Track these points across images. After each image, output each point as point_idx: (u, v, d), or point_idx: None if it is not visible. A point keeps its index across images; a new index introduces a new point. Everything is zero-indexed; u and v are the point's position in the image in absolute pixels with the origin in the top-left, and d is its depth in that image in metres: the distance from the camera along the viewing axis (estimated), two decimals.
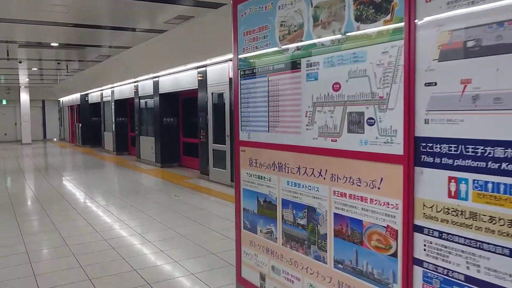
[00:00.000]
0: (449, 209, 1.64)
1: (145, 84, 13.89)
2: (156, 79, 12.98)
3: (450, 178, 1.63)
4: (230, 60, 8.94)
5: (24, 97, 25.25)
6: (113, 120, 17.54)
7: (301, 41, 2.33)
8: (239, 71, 2.91)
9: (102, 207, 7.64)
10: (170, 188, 9.43)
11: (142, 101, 14.60)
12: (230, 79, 9.13)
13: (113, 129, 17.62)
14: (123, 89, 16.38)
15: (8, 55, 11.53)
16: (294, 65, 2.39)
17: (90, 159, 16.13)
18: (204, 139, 10.43)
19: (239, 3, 2.84)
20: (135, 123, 15.36)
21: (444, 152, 1.64)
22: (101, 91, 19.32)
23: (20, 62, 13.88)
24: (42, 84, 24.03)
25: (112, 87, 17.49)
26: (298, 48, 2.37)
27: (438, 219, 1.69)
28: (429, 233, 1.73)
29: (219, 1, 6.81)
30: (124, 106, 17.49)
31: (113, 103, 17.55)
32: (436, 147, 1.67)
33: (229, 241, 5.37)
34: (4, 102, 28.05)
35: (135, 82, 14.67)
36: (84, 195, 8.91)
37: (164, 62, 10.98)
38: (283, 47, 2.47)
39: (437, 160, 1.67)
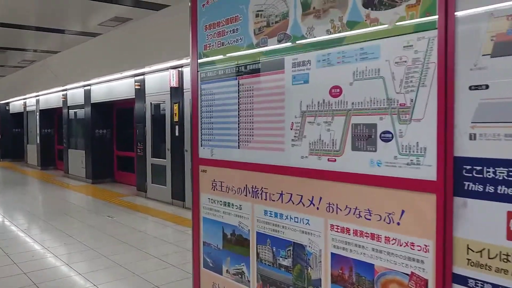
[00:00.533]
0: (508, 256, 1.22)
1: (75, 93, 12.78)
2: (88, 87, 11.96)
3: (510, 214, 1.21)
4: (173, 67, 8.33)
5: None
6: (38, 131, 16.04)
7: (286, 34, 1.86)
8: (199, 73, 2.37)
9: (22, 232, 6.64)
10: (103, 207, 8.53)
11: (72, 111, 13.43)
12: (172, 88, 8.49)
13: (38, 141, 16.10)
14: (50, 98, 15.03)
15: None
16: (276, 65, 1.91)
17: (10, 175, 14.55)
18: (142, 152, 9.65)
19: None
20: (63, 135, 14.11)
21: (501, 178, 1.22)
22: (24, 100, 17.68)
23: None
24: None
25: (37, 96, 16.03)
26: (280, 43, 1.89)
27: (491, 268, 1.26)
28: (476, 285, 1.30)
29: (162, 2, 6.23)
30: (50, 116, 16.06)
31: (38, 113, 16.06)
32: (488, 172, 1.25)
33: (173, 269, 4.74)
34: None
35: (63, 90, 13.48)
36: (1, 217, 7.78)
37: (97, 69, 10.08)
38: (260, 42, 1.98)
39: (490, 188, 1.25)
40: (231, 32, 2.13)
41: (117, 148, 12.28)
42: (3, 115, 20.29)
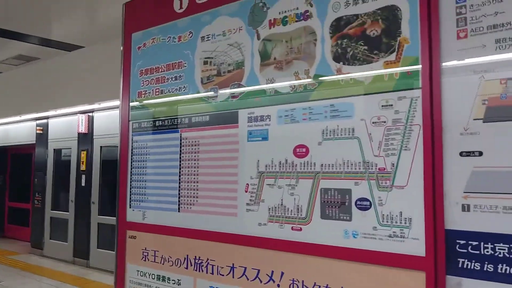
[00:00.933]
0: None
1: None
2: None
3: None
4: (82, 112, 7.72)
5: None
6: None
7: (240, 85, 1.66)
8: (130, 122, 2.06)
9: None
10: None
11: None
12: (80, 134, 7.83)
13: None
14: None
15: None
16: (228, 118, 1.69)
17: None
18: (40, 204, 8.63)
19: (134, 31, 2.07)
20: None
21: (501, 255, 1.10)
22: None
23: None
24: None
25: None
26: (234, 96, 1.68)
27: None
28: None
29: (75, 43, 5.79)
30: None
31: None
32: (486, 248, 1.12)
33: None
34: None
35: None
36: None
37: None
38: (208, 93, 1.76)
39: (489, 267, 1.12)
40: (173, 79, 1.88)
41: (10, 198, 10.94)
42: None
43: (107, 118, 7.43)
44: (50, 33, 5.46)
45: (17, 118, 8.91)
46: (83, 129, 7.73)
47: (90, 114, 7.71)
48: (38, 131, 8.75)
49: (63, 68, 6.68)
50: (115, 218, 6.70)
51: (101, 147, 7.53)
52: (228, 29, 1.70)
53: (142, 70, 2.02)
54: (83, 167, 7.75)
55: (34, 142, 8.95)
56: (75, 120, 8.00)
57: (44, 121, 8.66)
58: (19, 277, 6.78)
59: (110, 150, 7.60)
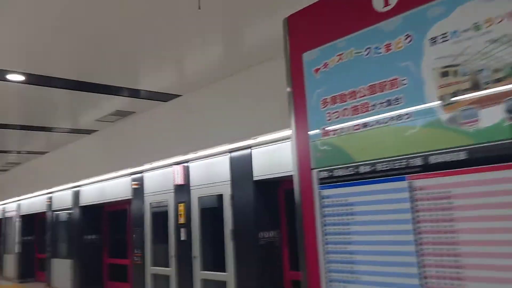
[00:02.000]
0: None
1: (62, 195, 11.68)
2: (77, 189, 10.93)
3: None
4: (177, 163, 7.50)
5: None
6: (17, 239, 14.55)
7: None
8: (314, 171, 1.51)
9: None
10: None
11: (58, 214, 12.22)
12: (176, 185, 7.59)
13: (16, 250, 14.54)
14: (32, 202, 13.82)
15: None
16: (503, 154, 1.07)
17: None
18: (140, 260, 8.41)
19: (306, 49, 1.55)
20: (45, 243, 12.71)
21: None
22: (3, 206, 16.38)
23: None
24: None
25: (18, 200, 14.81)
26: None
27: None
28: None
29: (174, 92, 5.57)
30: (32, 222, 14.71)
31: (18, 219, 14.71)
32: None
33: None
34: None
35: (48, 193, 12.38)
36: None
37: (88, 169, 9.18)
38: (459, 117, 1.17)
39: None
40: (384, 105, 1.32)
41: (108, 255, 10.97)
42: None
43: (203, 167, 7.13)
44: (145, 84, 5.30)
45: (113, 174, 8.95)
46: (179, 180, 7.49)
47: (186, 164, 7.47)
48: (133, 186, 8.68)
49: (156, 119, 6.52)
50: (219, 273, 6.14)
51: (198, 197, 7.20)
52: (486, 19, 1.12)
53: (326, 99, 1.48)
54: (181, 220, 7.43)
55: (130, 197, 8.90)
56: (170, 172, 7.81)
57: (139, 175, 8.59)
58: None
59: (207, 201, 7.25)
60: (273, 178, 6.04)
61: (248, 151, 6.31)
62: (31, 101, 5.57)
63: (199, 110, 5.81)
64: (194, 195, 7.26)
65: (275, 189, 6.60)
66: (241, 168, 6.42)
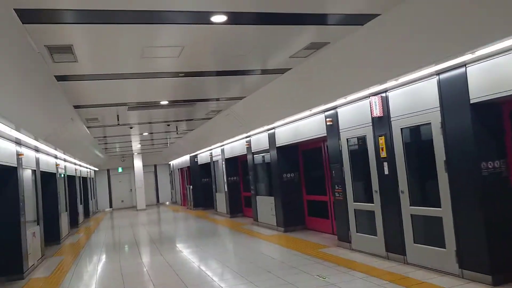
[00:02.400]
0: None
1: (259, 138, 12.46)
2: (272, 131, 11.47)
3: None
4: (374, 94, 7.02)
5: (137, 163, 25.71)
6: (225, 180, 16.36)
7: None
8: None
9: None
10: (305, 263, 7.43)
11: (257, 156, 13.15)
12: (375, 118, 7.15)
13: (225, 189, 16.40)
14: (233, 146, 15.21)
15: (118, 120, 10.89)
16: None
17: (204, 225, 14.86)
18: (341, 196, 8.39)
19: None
20: (249, 182, 13.92)
21: None
22: (210, 151, 18.50)
23: (131, 128, 13.40)
24: (153, 149, 24.26)
25: (222, 145, 16.49)
26: None
27: None
28: None
29: (370, 12, 5.02)
30: (235, 164, 16.29)
31: (223, 162, 16.45)
32: None
33: None
34: (120, 170, 29.01)
35: (247, 137, 13.36)
36: (208, 277, 7.27)
37: (282, 110, 9.41)
38: None
39: None
40: None
41: (307, 192, 11.37)
42: (193, 167, 21.71)
43: (405, 95, 6.49)
44: (338, 7, 4.88)
45: (307, 113, 8.98)
46: (377, 112, 7.02)
47: (384, 94, 6.93)
48: (328, 123, 8.57)
49: (350, 47, 6.07)
50: (432, 208, 5.52)
51: (401, 129, 6.63)
52: None
53: None
54: (383, 154, 7.03)
55: (325, 134, 8.84)
56: (366, 104, 7.39)
57: (333, 111, 8.41)
58: (339, 273, 6.51)
59: (412, 131, 6.63)
60: (498, 98, 5.09)
61: (461, 70, 5.43)
62: (227, 44, 5.73)
63: (400, 29, 5.15)
64: (396, 127, 6.74)
65: (498, 112, 5.61)
66: (453, 91, 5.60)
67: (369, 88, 6.74)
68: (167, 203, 29.83)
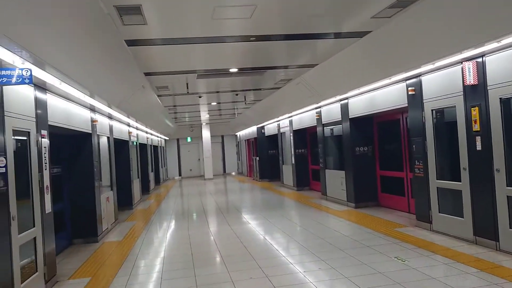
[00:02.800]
0: None
1: (331, 109, 11.87)
2: (345, 101, 10.83)
3: None
4: (466, 59, 6.20)
5: (206, 133, 26.04)
6: (292, 152, 15.99)
7: None
8: None
9: (300, 274, 5.57)
10: (380, 242, 6.93)
11: (327, 129, 12.59)
12: (467, 86, 6.35)
13: (292, 162, 16.05)
14: (302, 117, 14.72)
15: (187, 88, 10.80)
16: None
17: (270, 197, 14.70)
18: (422, 172, 7.69)
19: None
20: (318, 155, 13.45)
21: None
22: (278, 122, 18.15)
23: (200, 97, 13.34)
24: (220, 119, 24.39)
25: (290, 117, 16.05)
26: None
27: None
28: None
29: None
30: (303, 136, 15.83)
31: (291, 134, 16.05)
32: None
33: None
34: (188, 139, 29.65)
35: (317, 108, 12.81)
36: (276, 251, 7.02)
37: (358, 78, 8.74)
38: None
39: None
40: None
41: (381, 167, 10.70)
42: (260, 138, 21.54)
43: (507, 59, 5.63)
44: None
45: (385, 81, 8.26)
46: (471, 80, 6.20)
47: (479, 59, 6.08)
48: (410, 92, 7.82)
49: (445, 3, 5.30)
50: None
51: (500, 99, 5.80)
52: None
53: None
54: (476, 127, 6.24)
55: (405, 105, 8.10)
56: (457, 71, 6.57)
57: (415, 79, 7.64)
58: (417, 255, 5.96)
59: None
60: None
61: None
62: (302, 1, 5.21)
63: None
64: (494, 96, 5.91)
65: None
66: None
67: (462, 53, 5.93)
68: (233, 173, 30.16)
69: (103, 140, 10.10)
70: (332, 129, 12.30)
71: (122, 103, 9.29)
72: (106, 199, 9.73)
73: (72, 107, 7.47)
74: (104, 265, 6.75)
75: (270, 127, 20.03)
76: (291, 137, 16.03)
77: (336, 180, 11.83)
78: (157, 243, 8.24)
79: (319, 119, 12.82)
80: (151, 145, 20.81)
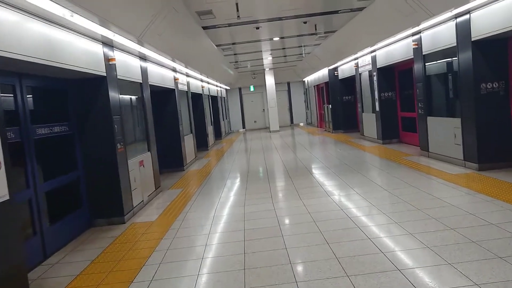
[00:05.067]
0: None
1: (437, 32, 8.49)
2: (465, 17, 7.42)
3: None
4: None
5: (269, 80, 23.17)
6: (376, 96, 12.74)
7: None
8: None
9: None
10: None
11: (430, 61, 9.25)
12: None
13: (377, 108, 12.84)
14: (390, 50, 11.37)
15: (238, 10, 7.95)
16: None
17: (350, 154, 11.66)
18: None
19: None
20: (413, 98, 10.21)
21: None
22: (356, 60, 14.83)
23: (257, 28, 10.46)
24: (285, 63, 21.35)
25: (372, 51, 12.72)
26: None
27: None
28: None
29: None
30: (391, 75, 12.47)
31: (375, 74, 12.76)
32: None
33: None
34: (251, 88, 27.02)
35: (415, 34, 9.44)
36: (382, 256, 4.28)
37: None
38: None
39: None
40: None
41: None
42: (332, 82, 18.35)
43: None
44: None
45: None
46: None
47: None
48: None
49: None
50: None
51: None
52: None
53: None
54: None
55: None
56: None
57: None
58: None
59: None
60: None
61: None
62: None
63: None
64: None
65: None
66: None
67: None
68: (302, 124, 27.32)
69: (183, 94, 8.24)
70: (439, 62, 8.95)
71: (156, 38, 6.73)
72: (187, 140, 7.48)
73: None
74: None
75: (345, 68, 16.74)
76: (375, 78, 12.74)
77: (445, 130, 8.63)
78: (225, 173, 5.84)
79: (417, 49, 9.47)
80: (208, 95, 18.45)
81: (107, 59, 6.37)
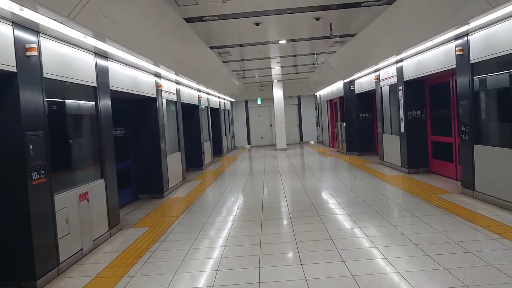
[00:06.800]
0: None
1: (493, 34, 6.30)
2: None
3: None
4: None
5: (277, 93, 21.05)
6: (402, 115, 10.53)
7: None
8: None
9: None
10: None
11: (480, 77, 7.03)
12: None
13: (402, 129, 10.61)
14: (421, 60, 9.20)
15: None
16: None
17: (369, 186, 9.38)
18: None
19: None
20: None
21: None
22: (377, 72, 12.66)
23: (257, 24, 8.38)
24: (296, 74, 19.28)
25: (398, 61, 10.55)
26: None
27: None
28: None
29: None
30: (420, 90, 10.26)
31: (401, 88, 10.57)
32: None
33: None
34: (259, 101, 24.97)
35: (458, 37, 7.26)
36: None
37: None
38: None
39: None
40: None
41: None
42: (348, 97, 16.18)
43: None
44: None
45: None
46: None
47: None
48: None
49: None
50: None
51: None
52: None
53: None
54: None
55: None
56: None
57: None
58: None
59: None
60: None
61: None
62: None
63: None
64: None
65: None
66: None
67: None
68: (312, 142, 25.12)
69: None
70: (493, 73, 6.73)
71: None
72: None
73: None
74: None
75: (363, 81, 14.58)
76: (402, 92, 10.54)
77: (503, 166, 6.38)
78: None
79: (462, 56, 7.27)
80: (207, 106, 16.40)
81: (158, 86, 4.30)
